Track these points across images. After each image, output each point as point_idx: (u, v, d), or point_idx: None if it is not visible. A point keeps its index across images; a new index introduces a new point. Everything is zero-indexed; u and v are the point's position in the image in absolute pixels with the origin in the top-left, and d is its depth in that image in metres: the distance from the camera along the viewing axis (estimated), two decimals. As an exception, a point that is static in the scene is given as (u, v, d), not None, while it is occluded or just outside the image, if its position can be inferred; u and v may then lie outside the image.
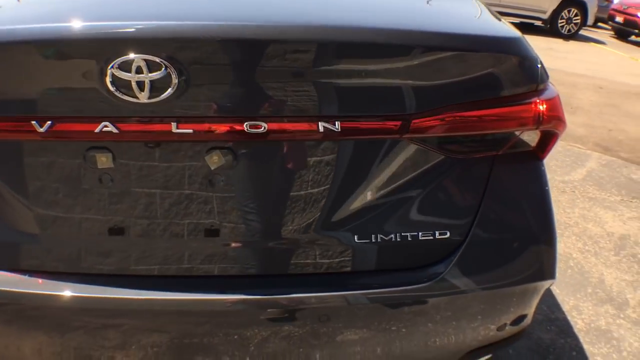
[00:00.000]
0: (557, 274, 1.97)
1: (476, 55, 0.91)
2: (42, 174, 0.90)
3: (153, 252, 0.94)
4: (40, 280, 0.92)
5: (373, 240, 0.95)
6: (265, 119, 0.84)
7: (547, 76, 1.01)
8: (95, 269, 0.94)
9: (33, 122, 0.83)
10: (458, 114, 0.90)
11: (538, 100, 0.95)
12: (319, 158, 0.91)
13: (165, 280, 0.94)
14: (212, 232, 0.93)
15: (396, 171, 0.94)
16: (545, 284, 1.07)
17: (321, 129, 0.85)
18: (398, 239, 0.95)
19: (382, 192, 0.95)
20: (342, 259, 0.96)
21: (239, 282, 0.96)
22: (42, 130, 0.84)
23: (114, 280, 0.92)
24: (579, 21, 10.27)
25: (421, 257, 0.97)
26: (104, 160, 0.87)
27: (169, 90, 0.81)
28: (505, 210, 1.03)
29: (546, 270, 1.04)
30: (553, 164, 3.23)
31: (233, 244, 0.96)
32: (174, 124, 0.84)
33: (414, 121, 0.87)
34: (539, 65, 0.97)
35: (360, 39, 0.86)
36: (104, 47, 0.80)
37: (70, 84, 0.84)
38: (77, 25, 0.81)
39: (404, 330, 0.99)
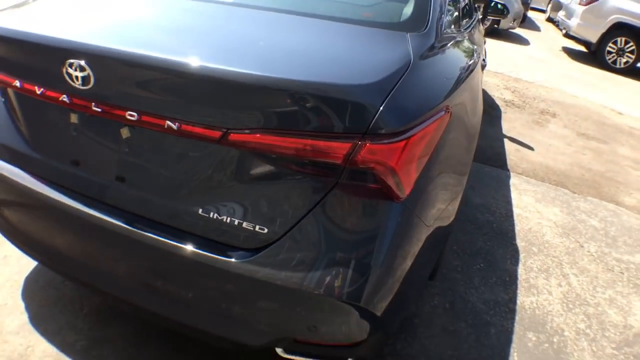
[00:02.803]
0: (529, 344, 1.99)
1: (301, 96, 1.12)
2: (35, 116, 1.49)
3: (87, 180, 1.43)
4: (25, 173, 1.52)
5: (202, 214, 1.26)
6: (137, 111, 1.23)
7: (399, 122, 1.15)
8: (56, 179, 1.48)
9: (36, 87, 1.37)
10: (266, 137, 1.15)
11: (358, 142, 1.11)
12: (178, 145, 1.27)
13: (82, 199, 1.42)
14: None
15: (232, 169, 1.24)
16: (347, 307, 1.21)
17: (166, 125, 1.20)
18: (220, 218, 1.24)
19: (216, 178, 1.26)
20: (175, 216, 1.31)
21: (118, 211, 1.38)
22: (39, 92, 1.36)
23: (56, 188, 1.45)
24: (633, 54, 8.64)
25: (239, 240, 1.24)
26: (72, 116, 1.39)
27: (90, 85, 1.24)
28: (325, 229, 1.20)
29: (346, 293, 1.19)
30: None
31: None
32: (93, 104, 1.28)
33: (231, 134, 1.16)
34: (375, 114, 1.11)
35: (218, 78, 1.16)
36: (61, 52, 1.28)
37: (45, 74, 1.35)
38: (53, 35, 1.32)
39: (208, 290, 1.29)
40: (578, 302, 2.43)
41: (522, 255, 2.76)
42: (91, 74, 1.25)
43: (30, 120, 1.52)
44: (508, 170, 3.91)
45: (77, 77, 1.26)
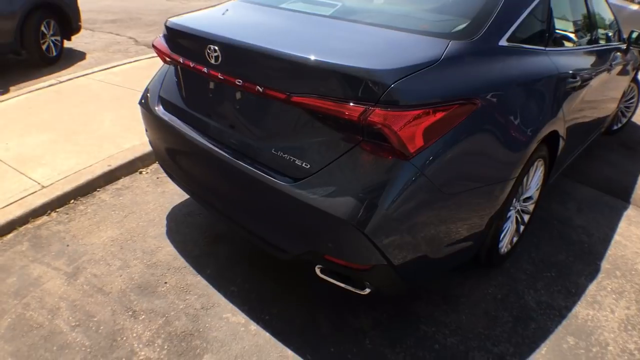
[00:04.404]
0: (565, 345, 2.13)
1: (338, 74, 1.62)
2: (190, 83, 2.20)
3: (214, 127, 2.10)
4: (180, 121, 2.26)
5: (274, 152, 1.83)
6: (242, 79, 1.85)
7: (408, 99, 1.57)
8: (197, 125, 2.19)
9: (190, 62, 2.12)
10: (314, 100, 1.67)
11: (370, 108, 1.55)
12: (265, 104, 1.87)
13: (210, 139, 2.08)
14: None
15: (293, 121, 1.79)
16: (354, 231, 1.63)
17: (256, 89, 1.79)
18: (284, 156, 1.79)
19: (284, 128, 1.82)
20: (258, 153, 1.90)
21: (228, 148, 2.01)
22: (191, 66, 2.09)
23: (196, 132, 2.15)
24: None
25: (291, 171, 1.77)
26: (210, 83, 2.08)
27: (219, 61, 1.92)
28: (348, 171, 1.66)
29: (355, 219, 1.61)
30: None
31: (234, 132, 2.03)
32: (219, 74, 1.95)
33: (293, 97, 1.70)
34: (385, 90, 1.54)
35: (294, 62, 1.71)
36: (205, 40, 1.97)
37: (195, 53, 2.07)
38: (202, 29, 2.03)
39: (268, 205, 1.85)
40: None
41: (600, 275, 2.77)
42: (220, 54, 1.91)
43: (186, 85, 2.27)
44: (629, 202, 3.75)
45: (212, 56, 1.94)
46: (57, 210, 2.93)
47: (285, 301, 2.30)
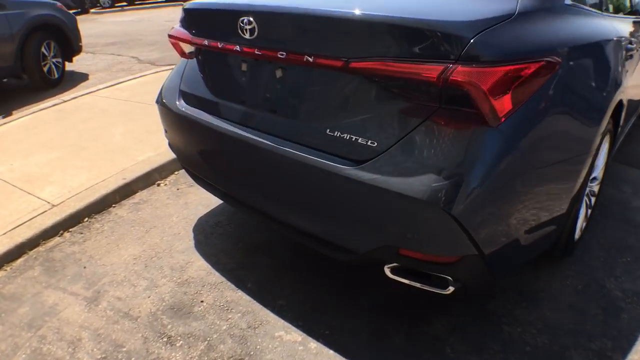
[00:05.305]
0: None
1: (407, 30, 1.36)
2: (217, 68, 1.93)
3: (250, 114, 1.83)
4: (207, 114, 1.97)
5: (329, 133, 1.54)
6: (285, 51, 1.57)
7: (491, 54, 1.30)
8: (228, 115, 1.90)
9: (218, 43, 1.85)
10: (378, 63, 1.39)
11: (450, 66, 1.29)
12: (314, 78, 1.60)
13: (247, 129, 1.80)
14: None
15: (352, 94, 1.50)
16: (441, 214, 1.35)
17: (305, 59, 1.51)
18: (342, 136, 1.51)
19: (341, 103, 1.53)
20: (309, 137, 1.61)
21: (270, 135, 1.72)
22: (220, 46, 1.80)
23: (228, 123, 1.87)
24: None
25: (353, 153, 1.48)
26: (242, 65, 1.83)
27: (255, 35, 1.65)
28: (425, 145, 1.38)
29: (441, 200, 1.33)
30: None
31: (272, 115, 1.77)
32: (255, 49, 1.67)
33: (352, 63, 1.43)
34: (467, 44, 1.29)
35: (343, 19, 1.45)
36: (236, 13, 1.71)
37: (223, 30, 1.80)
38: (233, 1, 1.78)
39: (326, 196, 1.55)
40: None
41: (681, 258, 2.46)
42: (256, 26, 1.65)
43: (213, 72, 1.99)
44: (687, 181, 3.46)
45: (246, 29, 1.67)
46: (70, 230, 2.65)
47: (344, 311, 1.99)
